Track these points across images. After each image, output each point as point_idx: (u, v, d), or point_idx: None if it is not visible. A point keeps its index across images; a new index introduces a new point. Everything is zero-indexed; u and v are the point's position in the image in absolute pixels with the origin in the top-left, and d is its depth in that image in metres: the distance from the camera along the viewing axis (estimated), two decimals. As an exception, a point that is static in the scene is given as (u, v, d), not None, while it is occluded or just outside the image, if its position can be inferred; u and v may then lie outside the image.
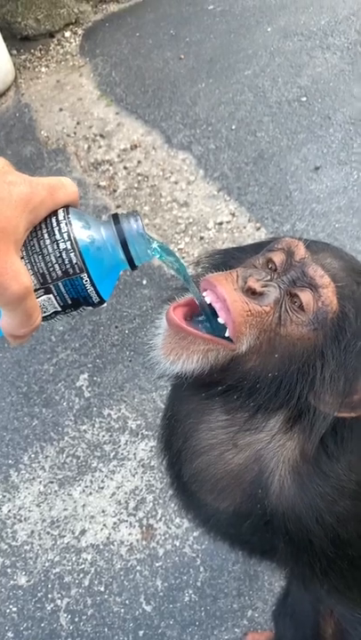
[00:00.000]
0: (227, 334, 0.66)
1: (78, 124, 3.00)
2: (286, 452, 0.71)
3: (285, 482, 0.70)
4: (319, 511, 0.67)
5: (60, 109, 3.10)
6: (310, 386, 0.66)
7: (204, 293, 0.68)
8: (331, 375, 0.66)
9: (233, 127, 2.80)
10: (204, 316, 0.69)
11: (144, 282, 2.30)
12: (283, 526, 0.69)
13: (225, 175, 2.61)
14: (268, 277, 0.71)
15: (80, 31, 3.61)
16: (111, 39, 3.49)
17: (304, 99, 2.85)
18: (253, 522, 0.73)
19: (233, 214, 2.46)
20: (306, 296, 0.67)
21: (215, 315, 0.67)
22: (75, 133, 2.95)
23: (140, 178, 2.68)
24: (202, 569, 1.65)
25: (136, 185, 2.66)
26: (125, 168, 2.74)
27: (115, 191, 2.65)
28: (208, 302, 0.68)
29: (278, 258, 0.73)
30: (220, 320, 0.66)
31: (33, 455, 1.93)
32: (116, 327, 2.19)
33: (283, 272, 0.71)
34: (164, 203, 2.56)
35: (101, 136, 2.91)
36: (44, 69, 3.39)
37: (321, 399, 0.66)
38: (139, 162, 2.75)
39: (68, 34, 3.59)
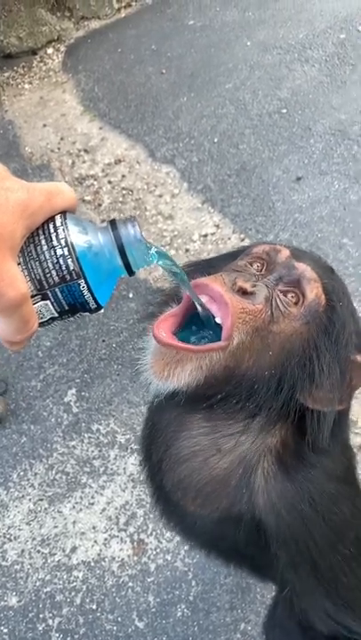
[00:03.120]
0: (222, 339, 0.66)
1: (62, 139, 3.02)
2: (269, 449, 0.72)
3: (270, 474, 0.70)
4: (310, 494, 0.68)
5: (44, 125, 3.12)
6: (310, 378, 0.67)
7: (202, 298, 0.68)
8: (327, 365, 0.67)
9: (215, 140, 2.83)
10: (202, 317, 0.68)
11: (130, 295, 2.31)
12: (272, 524, 0.69)
13: (208, 187, 2.64)
14: (255, 278, 0.72)
15: (62, 48, 3.65)
16: (93, 55, 3.53)
17: (284, 111, 2.89)
18: (239, 526, 0.72)
19: (217, 226, 2.48)
20: (296, 291, 0.69)
21: (208, 320, 0.68)
22: (59, 149, 2.97)
23: (124, 192, 2.70)
24: (194, 583, 1.64)
25: (121, 199, 2.67)
26: (110, 182, 2.75)
27: (100, 205, 2.67)
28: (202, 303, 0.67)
29: (261, 260, 0.75)
30: (218, 320, 0.66)
31: (22, 473, 1.91)
32: (104, 341, 2.20)
33: (267, 273, 0.73)
34: (148, 216, 2.58)
35: (85, 151, 2.93)
36: (27, 86, 3.42)
37: (316, 396, 0.67)
38: (123, 176, 2.77)
39: (50, 51, 3.63)
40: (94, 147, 2.95)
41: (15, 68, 3.53)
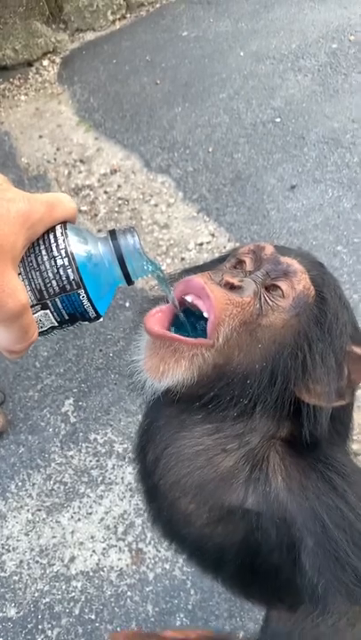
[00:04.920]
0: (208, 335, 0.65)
1: (58, 150, 3.05)
2: (278, 443, 0.71)
3: (286, 466, 0.69)
4: (334, 483, 0.66)
5: (40, 136, 3.15)
6: (303, 369, 0.66)
7: (188, 297, 0.68)
8: (320, 355, 0.66)
9: (210, 149, 2.86)
10: (184, 317, 0.69)
11: (127, 304, 2.33)
12: (298, 516, 0.65)
13: (204, 197, 2.66)
14: (242, 275, 0.72)
15: (58, 59, 3.69)
16: (88, 66, 3.57)
17: (278, 120, 2.92)
18: (244, 524, 0.69)
19: (213, 235, 2.50)
20: (284, 284, 0.69)
21: (196, 321, 0.68)
22: (55, 159, 2.99)
23: (120, 202, 2.72)
24: (192, 591, 1.64)
25: (117, 209, 2.69)
26: (106, 192, 2.78)
27: (96, 215, 2.69)
28: (189, 301, 0.67)
29: (247, 258, 0.75)
30: (205, 314, 0.66)
31: (20, 483, 1.92)
32: (101, 350, 2.21)
33: (254, 269, 0.73)
34: (144, 225, 2.60)
35: (81, 161, 2.95)
36: (23, 97, 3.45)
37: (312, 390, 0.67)
38: (119, 186, 2.79)
39: (46, 62, 3.66)
40: (90, 157, 2.97)
41: (11, 79, 3.57)
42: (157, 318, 0.68)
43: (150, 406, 0.83)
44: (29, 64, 3.63)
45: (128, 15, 3.91)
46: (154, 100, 3.22)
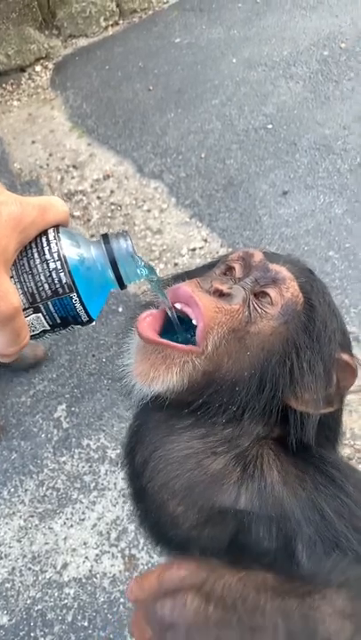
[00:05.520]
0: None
1: (51, 155, 3.05)
2: (269, 445, 0.71)
3: (277, 465, 0.69)
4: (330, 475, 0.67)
5: (33, 142, 3.15)
6: (291, 376, 0.66)
7: (177, 305, 0.68)
8: (308, 363, 0.66)
9: (202, 155, 2.87)
10: (178, 328, 0.68)
11: (120, 309, 2.33)
12: (296, 510, 0.66)
13: (196, 202, 2.67)
14: (231, 282, 0.72)
15: (50, 65, 3.69)
16: (81, 72, 3.58)
17: (270, 126, 2.95)
18: (234, 523, 0.69)
19: (205, 240, 2.51)
20: (272, 291, 0.70)
21: (186, 328, 0.68)
22: (47, 165, 3.00)
23: (113, 207, 2.73)
24: (185, 597, 1.64)
25: (110, 214, 2.70)
26: (99, 198, 2.78)
27: (89, 221, 2.69)
28: (178, 309, 0.67)
29: (236, 265, 0.76)
30: (194, 321, 0.66)
31: (12, 489, 1.91)
32: (94, 356, 2.21)
33: (243, 276, 0.73)
34: (137, 231, 2.60)
35: (74, 167, 2.96)
36: (15, 103, 3.45)
37: (300, 398, 0.67)
38: (111, 191, 2.80)
39: (38, 68, 3.67)
40: (83, 162, 2.98)
41: (4, 85, 3.57)
42: (149, 323, 0.67)
43: (140, 409, 0.82)
44: (22, 70, 3.64)
45: (121, 21, 3.93)
46: (147, 106, 3.23)
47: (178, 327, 0.69)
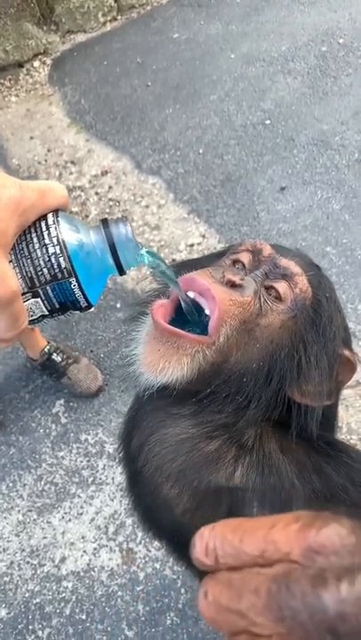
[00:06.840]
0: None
1: (49, 151, 3.05)
2: (268, 426, 0.72)
3: (276, 439, 0.70)
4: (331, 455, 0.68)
5: (31, 137, 3.15)
6: (298, 370, 0.67)
7: (190, 294, 0.68)
8: (315, 357, 0.67)
9: (200, 151, 2.87)
10: (189, 315, 0.68)
11: (118, 305, 2.33)
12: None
13: (194, 198, 2.67)
14: (242, 273, 0.73)
15: (49, 61, 3.69)
16: (80, 68, 3.57)
17: (268, 122, 2.94)
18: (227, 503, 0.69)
19: (203, 236, 2.51)
20: (282, 286, 0.70)
21: (195, 318, 0.68)
22: (46, 161, 3.00)
23: (111, 203, 2.73)
24: (183, 590, 1.65)
25: (108, 210, 2.70)
26: (97, 194, 2.78)
27: (87, 217, 2.69)
28: (192, 297, 0.67)
29: (245, 257, 0.76)
30: (207, 311, 0.66)
31: (11, 484, 1.92)
32: (92, 351, 2.21)
33: (253, 268, 0.74)
34: (135, 227, 2.60)
35: (72, 163, 2.96)
36: (13, 99, 3.45)
37: (304, 390, 0.68)
38: (110, 187, 2.80)
39: (36, 64, 3.66)
40: (81, 158, 2.98)
41: (2, 80, 3.56)
42: (162, 311, 0.67)
43: (141, 394, 0.81)
44: (20, 65, 3.63)
45: (119, 17, 3.92)
46: (145, 101, 3.23)
47: (192, 316, 0.69)
